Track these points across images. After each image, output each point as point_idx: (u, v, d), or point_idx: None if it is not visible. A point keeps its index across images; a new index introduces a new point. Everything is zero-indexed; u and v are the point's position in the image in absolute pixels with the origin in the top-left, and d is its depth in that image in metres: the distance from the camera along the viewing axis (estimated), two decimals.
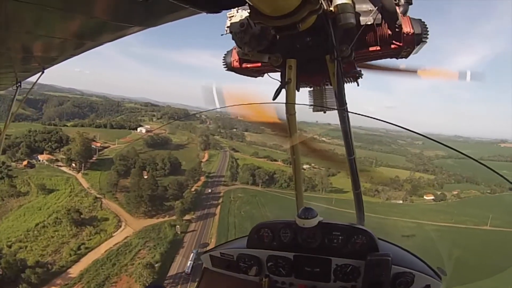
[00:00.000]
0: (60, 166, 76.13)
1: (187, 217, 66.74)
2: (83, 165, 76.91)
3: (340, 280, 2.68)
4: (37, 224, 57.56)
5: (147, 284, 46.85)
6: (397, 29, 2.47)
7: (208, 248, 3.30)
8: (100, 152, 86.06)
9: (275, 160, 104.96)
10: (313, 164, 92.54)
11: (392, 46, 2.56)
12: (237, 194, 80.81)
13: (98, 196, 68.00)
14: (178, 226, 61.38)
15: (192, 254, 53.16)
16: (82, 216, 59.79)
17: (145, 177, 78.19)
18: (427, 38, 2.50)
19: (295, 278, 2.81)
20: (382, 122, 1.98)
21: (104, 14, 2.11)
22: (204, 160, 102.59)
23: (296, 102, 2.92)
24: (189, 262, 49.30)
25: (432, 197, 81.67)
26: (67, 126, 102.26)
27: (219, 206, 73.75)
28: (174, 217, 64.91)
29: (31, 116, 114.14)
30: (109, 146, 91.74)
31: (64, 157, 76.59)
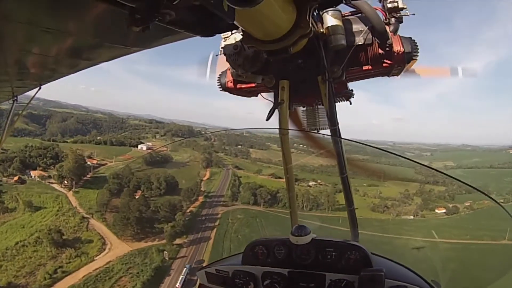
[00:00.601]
0: (52, 183, 73.27)
1: (178, 241, 61.49)
2: (74, 182, 73.71)
3: None
4: (17, 243, 53.86)
5: None
6: (387, 48, 2.52)
7: (204, 264, 3.32)
8: (96, 170, 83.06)
9: (280, 178, 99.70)
10: (319, 181, 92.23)
11: (383, 64, 2.60)
12: (236, 216, 75.70)
13: (86, 216, 64.02)
14: (166, 252, 56.20)
15: (185, 269, 51.02)
16: (64, 237, 55.72)
17: (137, 197, 74.23)
18: (417, 56, 2.54)
19: None
20: (368, 146, 2.69)
21: (99, 35, 2.17)
22: (205, 178, 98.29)
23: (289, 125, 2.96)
24: (181, 276, 48.36)
25: (444, 210, 77.21)
26: (67, 142, 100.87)
27: (214, 229, 68.36)
28: (164, 241, 59.79)
29: (34, 131, 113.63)
30: (106, 164, 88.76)
31: (57, 173, 73.66)
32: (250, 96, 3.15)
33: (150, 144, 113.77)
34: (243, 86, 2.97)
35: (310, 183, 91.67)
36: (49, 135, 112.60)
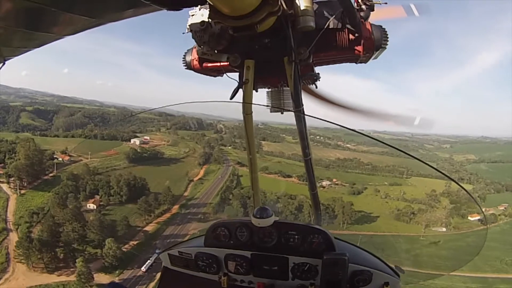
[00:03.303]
0: (2, 182, 61.99)
1: (107, 277, 42.98)
2: (27, 182, 61.65)
3: (298, 278, 2.71)
4: None
5: None
6: (357, 35, 2.49)
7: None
8: (65, 168, 70.28)
9: (289, 176, 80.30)
10: (334, 180, 78.72)
11: (352, 51, 2.56)
12: None
13: (9, 227, 50.11)
14: None
15: (155, 254, 34.22)
16: None
17: (90, 206, 58.21)
18: (386, 44, 2.52)
19: (253, 276, 2.83)
20: (331, 123, 2.03)
21: (63, 6, 2.11)
22: (196, 178, 79.49)
23: (253, 102, 2.94)
24: (148, 261, 41.55)
25: (478, 217, 63.73)
26: (58, 137, 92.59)
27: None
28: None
29: (39, 126, 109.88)
30: (81, 160, 75.79)
31: (3, 172, 62.29)
32: (215, 76, 3.05)
33: (148, 138, 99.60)
34: (208, 65, 2.86)
35: (324, 183, 76.18)
36: (54, 130, 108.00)
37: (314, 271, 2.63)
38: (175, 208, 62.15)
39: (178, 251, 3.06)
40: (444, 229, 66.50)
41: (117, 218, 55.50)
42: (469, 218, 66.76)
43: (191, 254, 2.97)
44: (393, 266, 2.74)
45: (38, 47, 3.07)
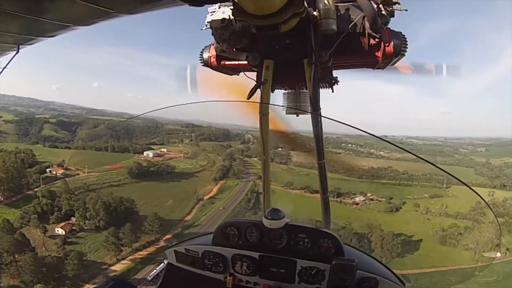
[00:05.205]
0: None
1: None
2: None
3: (304, 282, 2.68)
4: None
5: None
6: (377, 40, 2.48)
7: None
8: (54, 182, 59.81)
9: (317, 192, 56.17)
10: (369, 194, 70.72)
11: (371, 56, 2.54)
12: None
13: None
14: None
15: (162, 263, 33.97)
16: None
17: (58, 231, 44.93)
18: (405, 51, 2.49)
19: (259, 277, 2.80)
20: (354, 128, 1.96)
21: None
22: (206, 197, 63.16)
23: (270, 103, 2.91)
24: (154, 270, 38.14)
25: None
26: (69, 148, 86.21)
27: None
28: None
29: (61, 138, 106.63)
30: (78, 174, 65.18)
31: None
32: (232, 74, 3.02)
33: (165, 150, 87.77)
34: (226, 62, 2.84)
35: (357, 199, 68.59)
36: (79, 141, 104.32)
37: (321, 275, 2.59)
38: (166, 239, 45.44)
39: (185, 248, 3.01)
40: (498, 254, 54.59)
41: (84, 249, 41.11)
42: None
43: (198, 252, 2.92)
44: (399, 275, 2.71)
45: (52, 36, 3.03)
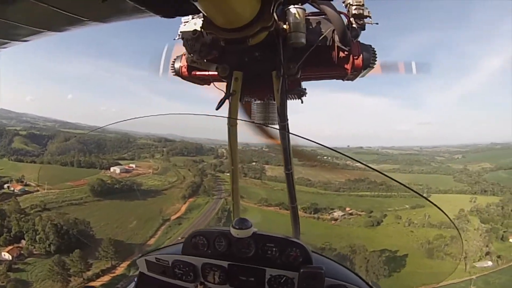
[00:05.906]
0: None
1: None
2: None
3: None
4: None
5: None
6: (346, 53, 2.52)
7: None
8: (7, 200, 56.54)
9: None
10: (348, 209, 70.33)
11: (340, 69, 2.60)
12: None
13: None
14: None
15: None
16: None
17: (5, 255, 42.17)
18: (374, 63, 2.55)
19: (230, 286, 2.82)
20: (318, 144, 2.01)
21: (57, 3, 2.07)
22: (173, 217, 61.41)
23: (238, 114, 2.94)
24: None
25: None
26: (35, 162, 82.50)
27: None
28: None
29: (31, 151, 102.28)
30: (37, 190, 62.10)
31: None
32: (202, 84, 3.06)
33: (133, 165, 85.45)
34: (197, 73, 2.89)
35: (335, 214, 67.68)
36: (47, 155, 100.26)
37: (290, 283, 2.62)
38: (123, 266, 43.29)
39: (155, 258, 3.02)
40: (490, 263, 54.97)
41: (30, 277, 38.45)
42: (510, 240, 58.57)
43: (168, 261, 2.94)
44: (369, 282, 2.73)
45: (28, 41, 2.88)
